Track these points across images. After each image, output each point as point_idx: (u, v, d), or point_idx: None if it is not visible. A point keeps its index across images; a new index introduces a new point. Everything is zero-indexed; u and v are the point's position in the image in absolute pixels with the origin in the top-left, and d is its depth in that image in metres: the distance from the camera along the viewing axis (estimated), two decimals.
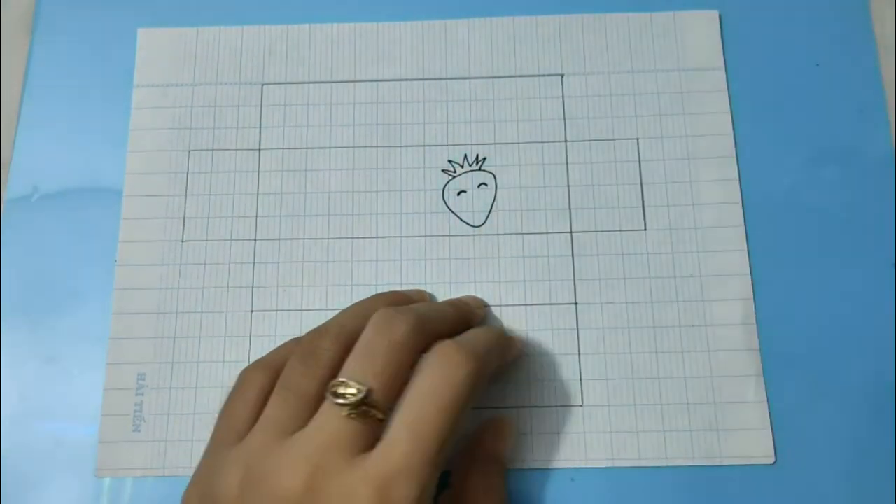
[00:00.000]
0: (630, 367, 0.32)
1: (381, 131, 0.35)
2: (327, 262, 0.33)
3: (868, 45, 0.35)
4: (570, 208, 0.34)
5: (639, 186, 0.34)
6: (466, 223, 0.34)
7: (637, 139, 0.34)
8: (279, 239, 0.34)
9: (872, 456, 0.30)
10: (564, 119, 0.35)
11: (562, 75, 0.35)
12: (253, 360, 0.31)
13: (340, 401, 0.24)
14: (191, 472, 0.31)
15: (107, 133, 0.35)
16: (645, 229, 0.33)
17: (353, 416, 0.24)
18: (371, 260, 0.33)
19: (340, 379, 0.25)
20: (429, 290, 0.33)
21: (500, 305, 0.32)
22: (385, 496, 0.23)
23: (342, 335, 0.27)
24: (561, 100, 0.35)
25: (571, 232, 0.33)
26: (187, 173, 0.34)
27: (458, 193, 0.34)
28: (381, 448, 0.24)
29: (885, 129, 0.34)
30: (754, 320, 0.32)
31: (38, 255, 0.34)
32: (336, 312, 0.29)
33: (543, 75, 0.35)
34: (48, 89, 0.36)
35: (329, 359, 0.26)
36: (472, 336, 0.28)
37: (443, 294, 0.33)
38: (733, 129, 0.34)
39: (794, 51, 0.35)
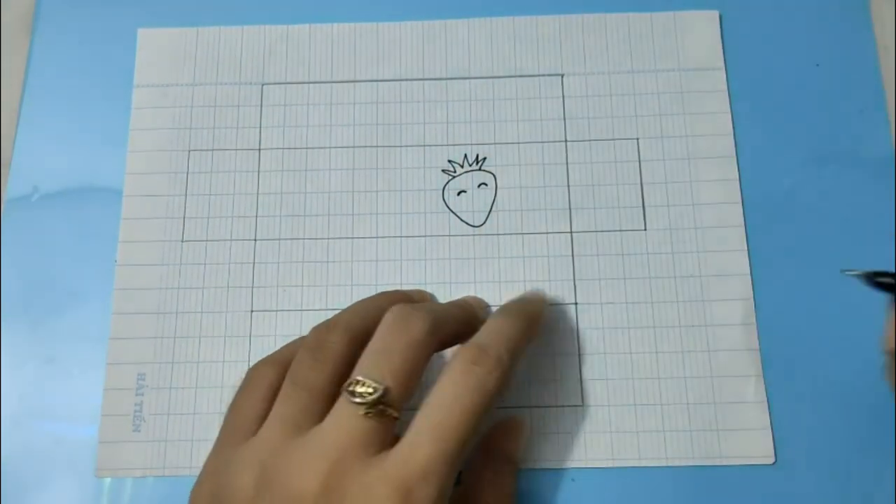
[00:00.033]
0: (630, 367, 0.32)
1: (381, 131, 0.35)
2: (327, 262, 0.33)
3: (868, 45, 0.35)
4: (570, 208, 0.34)
5: (639, 186, 0.34)
6: (466, 223, 0.34)
7: (637, 139, 0.34)
8: (279, 239, 0.34)
9: (872, 456, 0.30)
10: (564, 119, 0.35)
11: (562, 75, 0.35)
12: (253, 360, 0.32)
13: (357, 399, 0.24)
14: (191, 472, 0.31)
15: (107, 133, 0.35)
16: (645, 229, 0.33)
17: (369, 415, 0.24)
18: (371, 260, 0.33)
19: (357, 377, 0.25)
20: (429, 290, 0.33)
21: (500, 305, 0.32)
22: (407, 497, 0.23)
23: (351, 330, 0.27)
24: (561, 100, 0.35)
25: (571, 232, 0.33)
26: (187, 173, 0.34)
27: (458, 193, 0.34)
28: (403, 449, 0.24)
29: (885, 129, 0.34)
30: (754, 320, 0.32)
31: (38, 255, 0.34)
32: (336, 312, 0.29)
33: (543, 75, 0.35)
34: (48, 89, 0.36)
35: (338, 352, 0.26)
36: (498, 336, 0.27)
37: (443, 294, 0.33)
38: (733, 129, 0.34)
39: (794, 51, 0.35)
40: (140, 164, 0.34)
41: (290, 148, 0.35)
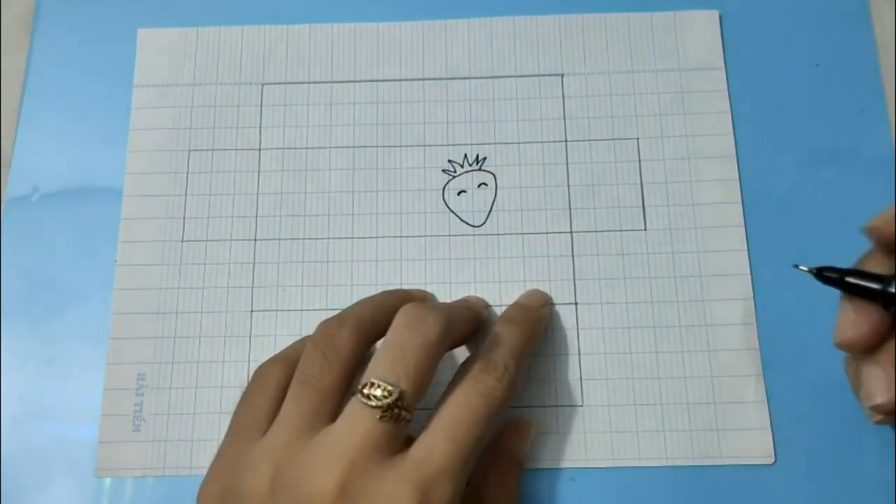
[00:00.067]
0: (630, 367, 0.32)
1: (381, 131, 0.35)
2: (327, 262, 0.33)
3: (868, 45, 0.35)
4: (570, 208, 0.34)
5: (639, 186, 0.34)
6: (466, 223, 0.34)
7: (637, 139, 0.34)
8: (279, 239, 0.34)
9: (872, 456, 0.30)
10: (564, 119, 0.35)
11: (562, 75, 0.35)
12: (253, 360, 0.32)
13: (373, 403, 0.24)
14: (191, 472, 0.31)
15: (107, 133, 0.35)
16: (645, 229, 0.33)
17: (384, 418, 0.24)
18: (371, 260, 0.33)
19: (371, 379, 0.25)
20: (429, 290, 0.33)
21: (500, 305, 0.32)
22: (426, 497, 0.24)
23: (361, 326, 0.27)
24: (561, 100, 0.35)
25: (571, 232, 0.33)
26: (187, 173, 0.34)
27: (458, 193, 0.34)
28: (419, 451, 0.25)
29: (885, 130, 0.34)
30: (754, 320, 0.32)
31: (38, 255, 0.34)
32: (336, 313, 0.29)
33: (543, 75, 0.35)
34: (48, 89, 0.36)
35: (347, 350, 0.26)
36: (504, 346, 0.28)
37: (443, 294, 0.33)
38: (733, 129, 0.34)
39: (794, 51, 0.35)
40: (140, 164, 0.34)
41: (290, 148, 0.35)
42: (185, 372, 0.32)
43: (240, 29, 0.36)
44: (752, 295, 0.32)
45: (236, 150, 0.35)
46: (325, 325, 0.27)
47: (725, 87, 0.35)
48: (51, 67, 0.36)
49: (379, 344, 0.27)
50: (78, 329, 0.33)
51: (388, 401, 0.24)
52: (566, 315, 0.32)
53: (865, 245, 0.31)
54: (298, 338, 0.31)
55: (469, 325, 0.30)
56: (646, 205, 0.34)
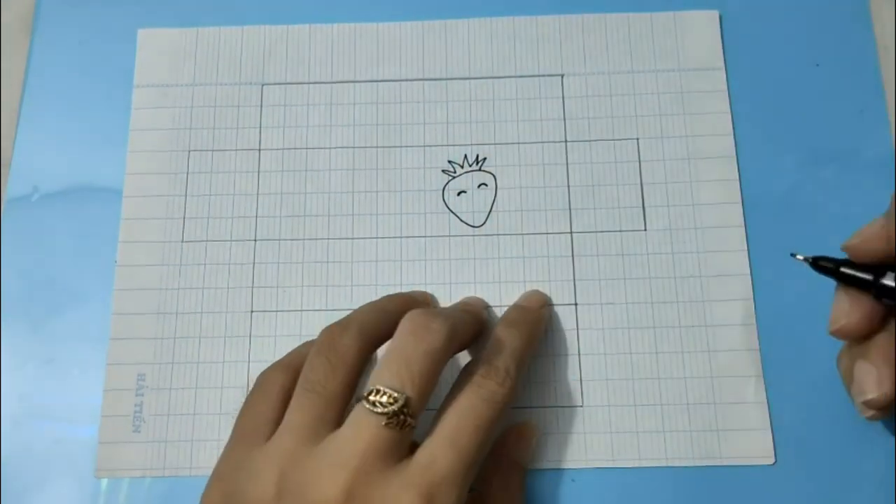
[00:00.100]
0: (630, 367, 0.32)
1: (381, 131, 0.35)
2: (327, 262, 0.33)
3: (868, 45, 0.35)
4: (570, 209, 0.34)
5: (639, 187, 0.34)
6: (466, 223, 0.34)
7: (637, 139, 0.34)
8: (279, 239, 0.34)
9: (872, 456, 0.30)
10: (564, 119, 0.35)
11: (562, 75, 0.35)
12: (253, 360, 0.32)
13: (378, 410, 0.24)
14: (191, 473, 0.31)
15: (107, 133, 0.35)
16: (645, 229, 0.33)
17: (389, 425, 0.24)
18: (371, 260, 0.33)
19: (377, 386, 0.25)
20: (429, 290, 0.33)
21: (500, 306, 0.32)
22: (431, 503, 0.24)
23: (365, 332, 0.27)
24: (561, 100, 0.35)
25: (571, 232, 0.33)
26: (187, 173, 0.34)
27: (458, 194, 0.34)
28: (423, 457, 0.25)
29: (885, 130, 0.34)
30: (754, 320, 0.32)
31: (38, 255, 0.34)
32: (336, 313, 0.29)
33: (543, 75, 0.35)
34: (48, 89, 0.36)
35: (351, 356, 0.26)
36: (504, 351, 0.28)
37: (443, 294, 0.33)
38: (733, 129, 0.34)
39: (794, 51, 0.35)
40: (140, 164, 0.34)
41: (290, 148, 0.35)
42: (185, 372, 0.32)
43: (240, 29, 0.36)
44: (752, 295, 0.32)
45: (236, 150, 0.35)
46: (329, 331, 0.27)
47: (725, 87, 0.35)
48: (51, 67, 0.36)
49: (382, 349, 0.27)
50: (78, 329, 0.33)
51: (393, 407, 0.24)
52: (566, 316, 0.32)
53: None
54: (298, 338, 0.31)
55: (472, 330, 0.30)
56: (646, 205, 0.33)
